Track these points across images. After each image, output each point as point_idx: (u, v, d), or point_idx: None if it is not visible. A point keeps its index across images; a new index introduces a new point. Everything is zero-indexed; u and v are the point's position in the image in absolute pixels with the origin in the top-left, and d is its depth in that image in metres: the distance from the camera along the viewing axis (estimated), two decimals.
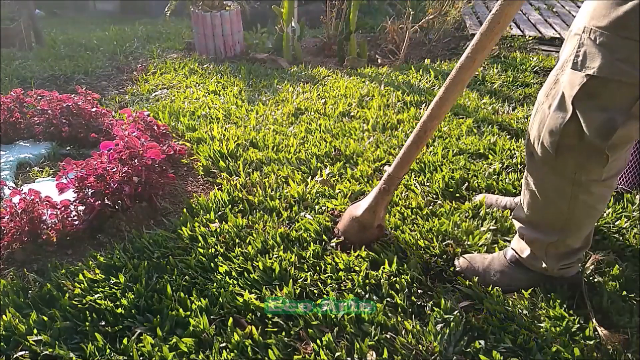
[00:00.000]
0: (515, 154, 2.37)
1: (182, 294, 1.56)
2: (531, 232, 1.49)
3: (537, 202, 1.42)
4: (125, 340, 1.41)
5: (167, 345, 1.40)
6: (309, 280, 1.62)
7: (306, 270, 1.68)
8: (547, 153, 1.31)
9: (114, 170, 1.95)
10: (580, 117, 1.20)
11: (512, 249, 1.58)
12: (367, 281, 1.60)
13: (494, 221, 1.87)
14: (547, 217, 1.43)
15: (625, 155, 1.32)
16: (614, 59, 1.12)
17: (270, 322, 1.48)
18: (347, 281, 1.62)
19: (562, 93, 1.23)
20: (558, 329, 1.41)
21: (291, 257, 1.71)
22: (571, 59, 1.19)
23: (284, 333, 1.44)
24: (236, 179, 2.24)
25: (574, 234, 1.42)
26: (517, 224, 1.56)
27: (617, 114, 1.15)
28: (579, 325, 1.42)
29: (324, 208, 2.00)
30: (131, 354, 1.38)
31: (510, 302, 1.50)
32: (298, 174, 2.26)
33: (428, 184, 2.15)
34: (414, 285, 1.59)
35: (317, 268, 1.69)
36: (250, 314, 1.50)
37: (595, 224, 1.82)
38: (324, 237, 1.82)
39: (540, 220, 1.46)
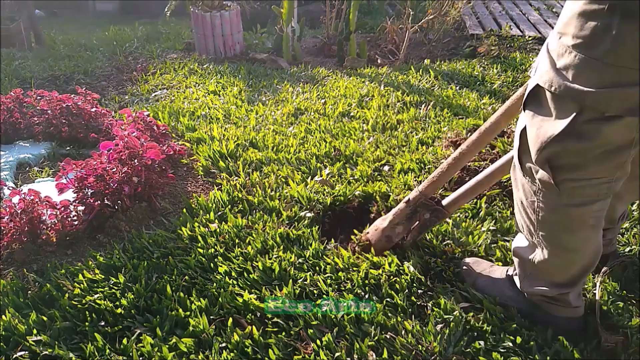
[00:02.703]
0: None
1: (181, 294, 1.56)
2: (516, 240, 1.45)
3: (515, 203, 1.36)
4: (125, 341, 1.41)
5: (167, 346, 1.40)
6: (308, 281, 1.62)
7: (306, 270, 1.67)
8: (515, 157, 1.26)
9: (113, 170, 1.95)
10: (526, 123, 1.17)
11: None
12: (367, 281, 1.60)
13: (493, 221, 1.87)
14: (520, 220, 1.35)
15: (600, 190, 1.14)
16: (554, 68, 1.06)
17: (270, 322, 1.48)
18: (347, 281, 1.62)
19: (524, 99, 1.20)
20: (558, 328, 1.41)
21: (291, 257, 1.71)
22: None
23: (284, 333, 1.44)
24: (236, 179, 2.24)
25: (543, 246, 1.30)
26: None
27: (551, 127, 1.09)
28: None
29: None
30: (131, 354, 1.38)
31: None
32: (298, 174, 2.26)
33: None
34: (414, 285, 1.59)
35: (317, 268, 1.69)
36: (250, 314, 1.50)
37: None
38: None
39: (518, 224, 1.39)
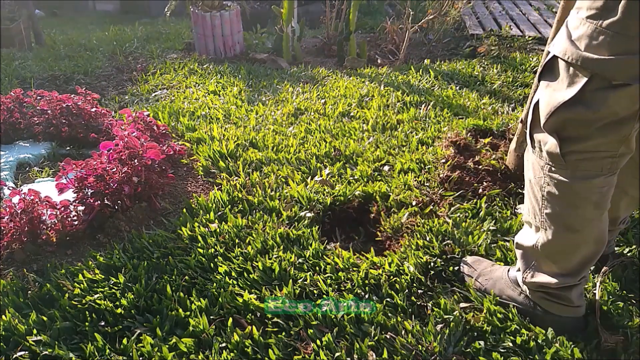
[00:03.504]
0: None
1: (181, 294, 1.56)
2: (519, 235, 1.45)
3: (525, 185, 1.38)
4: (125, 341, 1.41)
5: (167, 346, 1.40)
6: (308, 281, 1.62)
7: (306, 270, 1.68)
8: (527, 133, 1.31)
9: (113, 170, 1.95)
10: (539, 95, 1.22)
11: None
12: (367, 281, 1.60)
13: (494, 221, 1.87)
14: (528, 203, 1.37)
15: (604, 164, 1.19)
16: (569, 39, 1.12)
17: (270, 322, 1.48)
18: (347, 281, 1.62)
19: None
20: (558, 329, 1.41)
21: (291, 257, 1.71)
22: None
23: (284, 333, 1.44)
24: (236, 179, 2.24)
25: (547, 226, 1.31)
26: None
27: (561, 94, 1.14)
28: None
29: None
30: (131, 354, 1.38)
31: None
32: (298, 174, 2.26)
33: (428, 184, 2.15)
34: (414, 285, 1.59)
35: (317, 268, 1.69)
36: (250, 314, 1.50)
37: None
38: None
39: (526, 208, 1.40)
